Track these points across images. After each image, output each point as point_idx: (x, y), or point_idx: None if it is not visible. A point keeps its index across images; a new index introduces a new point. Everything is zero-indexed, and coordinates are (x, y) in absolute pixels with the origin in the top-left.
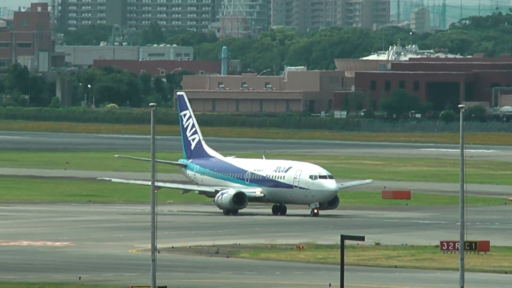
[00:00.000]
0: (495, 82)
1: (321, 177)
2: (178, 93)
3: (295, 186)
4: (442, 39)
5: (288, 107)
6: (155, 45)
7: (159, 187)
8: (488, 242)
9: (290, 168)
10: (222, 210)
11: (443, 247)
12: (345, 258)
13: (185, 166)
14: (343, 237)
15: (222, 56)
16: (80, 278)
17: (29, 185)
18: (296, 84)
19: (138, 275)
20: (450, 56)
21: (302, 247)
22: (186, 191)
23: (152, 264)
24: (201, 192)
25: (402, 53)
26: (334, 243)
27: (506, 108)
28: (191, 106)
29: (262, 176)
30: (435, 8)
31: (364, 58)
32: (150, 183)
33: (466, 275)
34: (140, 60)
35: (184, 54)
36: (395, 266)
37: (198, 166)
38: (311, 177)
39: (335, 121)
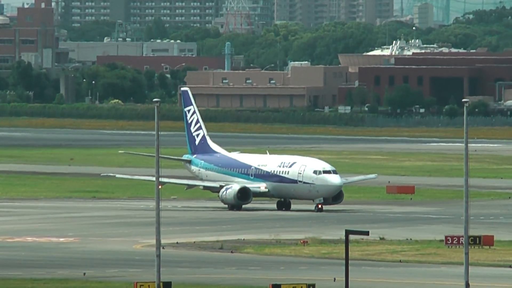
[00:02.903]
0: (499, 76)
1: (325, 172)
2: (182, 88)
3: (300, 181)
4: (445, 33)
5: (292, 102)
6: (158, 41)
7: (164, 183)
8: (493, 236)
9: (294, 163)
10: (226, 206)
11: (448, 242)
12: (349, 253)
13: (190, 161)
14: (348, 232)
15: (226, 52)
16: (84, 274)
17: (34, 181)
18: (300, 79)
19: (143, 271)
20: (453, 50)
21: (307, 242)
22: (190, 186)
23: (157, 259)
24: (205, 188)
25: (405, 48)
26: (339, 238)
27: (510, 103)
28: (195, 102)
29: (267, 172)
30: (439, 3)
31: (368, 53)
32: (154, 178)
33: (470, 269)
34: (144, 56)
35: (188, 50)
36: (400, 261)
37: (202, 162)
38: (315, 172)
39: (339, 116)
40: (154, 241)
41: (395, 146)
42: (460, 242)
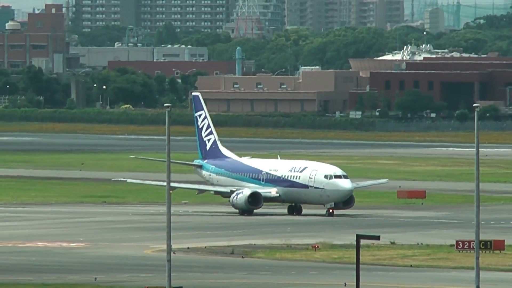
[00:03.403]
0: (510, 81)
1: (336, 176)
2: (193, 93)
3: (311, 186)
4: (456, 38)
5: (302, 107)
6: (169, 46)
7: (175, 188)
8: (503, 241)
9: (305, 168)
10: (237, 211)
11: (459, 246)
12: (360, 257)
13: (201, 166)
14: (359, 237)
15: (237, 56)
16: (96, 279)
17: (44, 186)
18: (311, 84)
19: (154, 275)
20: (464, 55)
21: (318, 247)
22: (201, 191)
23: (168, 264)
24: (216, 193)
25: (416, 53)
26: (350, 243)
27: None
28: (206, 107)
29: (278, 176)
30: (449, 8)
31: (379, 58)
32: (165, 183)
33: (481, 274)
34: (154, 61)
35: (199, 54)
36: (411, 266)
37: (213, 167)
38: (326, 177)
39: (350, 121)
40: (165, 246)
41: (406, 150)
42: (471, 247)
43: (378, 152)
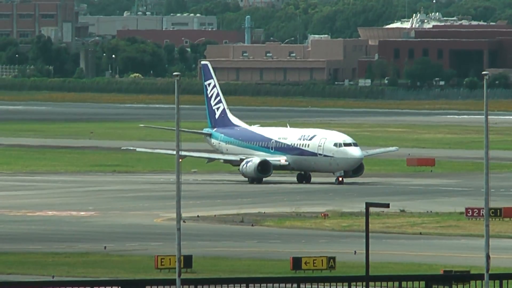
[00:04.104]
0: None
1: (345, 144)
2: (203, 62)
3: (320, 154)
4: (465, 6)
5: (312, 75)
6: (178, 15)
7: (184, 156)
8: None
9: (314, 136)
10: (247, 179)
11: (468, 214)
12: (370, 225)
13: (210, 135)
14: (368, 205)
15: (246, 25)
16: (105, 247)
17: (54, 155)
18: (320, 52)
19: (163, 244)
20: (473, 23)
21: (327, 215)
22: (211, 160)
23: (177, 233)
24: (226, 161)
25: (425, 21)
26: (359, 211)
27: None
28: (215, 76)
29: (287, 145)
30: None
31: (388, 26)
32: (174, 152)
33: (491, 241)
34: (163, 30)
35: (208, 23)
36: (420, 233)
37: (222, 135)
38: (335, 145)
39: (359, 89)
40: (174, 215)
41: (415, 118)
42: (481, 214)
43: (387, 120)
